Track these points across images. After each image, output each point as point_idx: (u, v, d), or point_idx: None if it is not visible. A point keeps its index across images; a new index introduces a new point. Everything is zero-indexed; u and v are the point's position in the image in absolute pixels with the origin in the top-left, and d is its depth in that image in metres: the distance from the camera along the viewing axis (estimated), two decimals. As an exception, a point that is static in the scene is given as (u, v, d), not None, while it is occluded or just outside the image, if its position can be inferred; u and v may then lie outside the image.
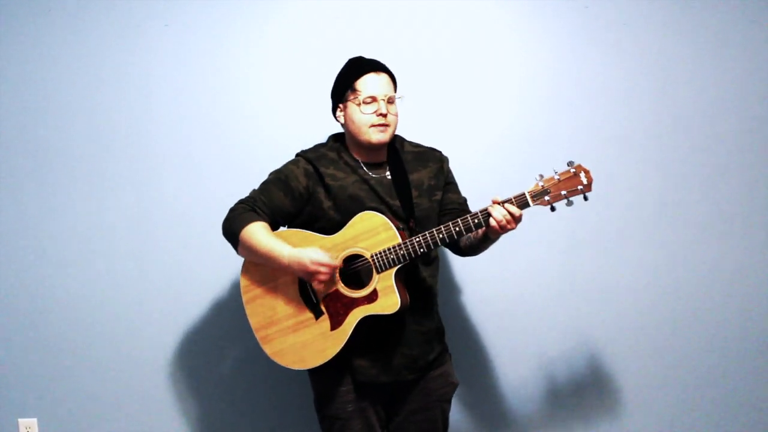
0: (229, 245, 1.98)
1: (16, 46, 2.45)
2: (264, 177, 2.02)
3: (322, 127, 2.20)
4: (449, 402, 2.10)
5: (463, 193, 2.12)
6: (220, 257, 2.40)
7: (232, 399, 2.54)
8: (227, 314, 2.48)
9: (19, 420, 2.54)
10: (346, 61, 2.01)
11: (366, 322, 1.88)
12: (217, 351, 2.52)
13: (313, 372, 2.03)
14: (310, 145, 2.08)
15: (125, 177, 2.48)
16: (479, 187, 2.18)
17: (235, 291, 2.45)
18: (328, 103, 2.04)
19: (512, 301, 2.47)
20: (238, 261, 2.03)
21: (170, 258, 2.49)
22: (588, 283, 2.47)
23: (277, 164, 2.02)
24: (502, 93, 2.44)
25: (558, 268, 2.46)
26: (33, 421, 2.54)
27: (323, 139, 2.11)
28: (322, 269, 1.84)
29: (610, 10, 2.41)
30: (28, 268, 2.51)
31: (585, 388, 2.49)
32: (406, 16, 2.42)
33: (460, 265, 2.48)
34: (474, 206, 2.07)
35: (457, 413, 2.44)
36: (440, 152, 2.11)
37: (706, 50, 2.42)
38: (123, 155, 2.48)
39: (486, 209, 1.82)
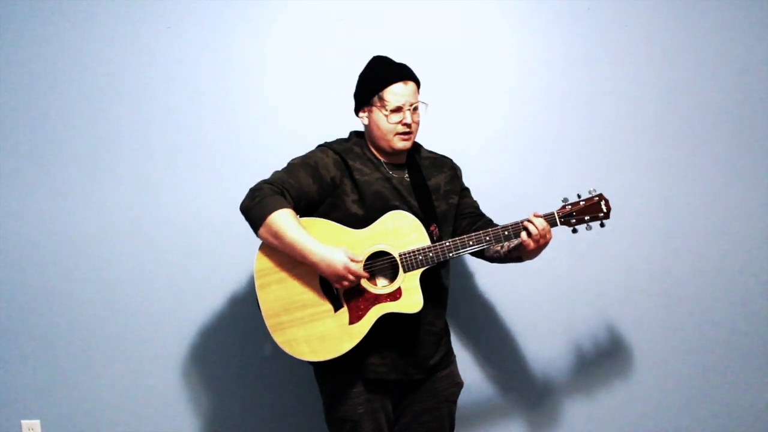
0: (236, 241, 1.95)
1: (18, 47, 2.43)
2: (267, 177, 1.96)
3: (326, 127, 2.21)
4: (455, 403, 2.12)
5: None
6: (222, 256, 2.44)
7: (237, 401, 2.54)
8: (231, 314, 2.49)
9: (23, 422, 2.51)
10: (371, 58, 1.99)
11: (382, 320, 1.89)
12: (222, 352, 2.52)
13: (323, 373, 2.03)
14: (314, 145, 2.04)
15: (128, 178, 2.48)
16: (484, 190, 2.23)
17: (240, 290, 2.47)
18: (330, 103, 1.99)
19: (518, 300, 2.51)
20: (245, 262, 2.01)
21: (173, 258, 2.49)
22: (593, 283, 2.50)
23: (280, 164, 1.98)
24: (504, 94, 2.46)
25: (563, 267, 2.49)
26: (36, 423, 2.51)
27: (327, 139, 2.08)
28: (351, 277, 1.84)
29: (613, 11, 2.43)
30: (31, 269, 2.49)
31: (591, 390, 2.54)
32: (412, 18, 2.43)
33: (468, 266, 2.51)
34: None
35: (462, 412, 2.44)
36: (452, 160, 2.15)
37: (709, 51, 2.45)
38: (126, 156, 2.47)
39: (518, 223, 1.88)
